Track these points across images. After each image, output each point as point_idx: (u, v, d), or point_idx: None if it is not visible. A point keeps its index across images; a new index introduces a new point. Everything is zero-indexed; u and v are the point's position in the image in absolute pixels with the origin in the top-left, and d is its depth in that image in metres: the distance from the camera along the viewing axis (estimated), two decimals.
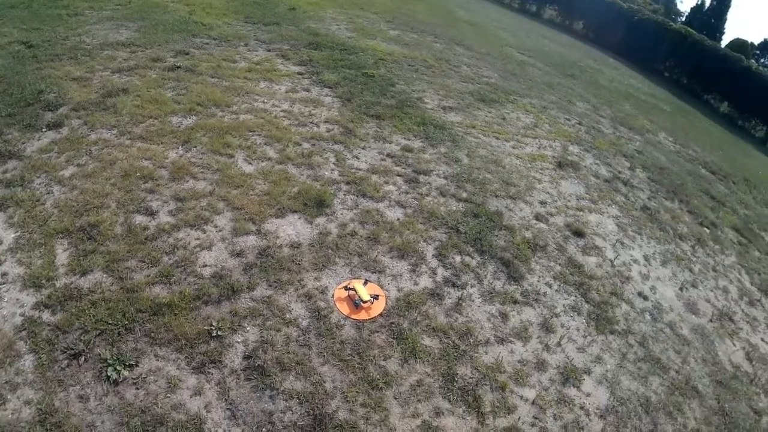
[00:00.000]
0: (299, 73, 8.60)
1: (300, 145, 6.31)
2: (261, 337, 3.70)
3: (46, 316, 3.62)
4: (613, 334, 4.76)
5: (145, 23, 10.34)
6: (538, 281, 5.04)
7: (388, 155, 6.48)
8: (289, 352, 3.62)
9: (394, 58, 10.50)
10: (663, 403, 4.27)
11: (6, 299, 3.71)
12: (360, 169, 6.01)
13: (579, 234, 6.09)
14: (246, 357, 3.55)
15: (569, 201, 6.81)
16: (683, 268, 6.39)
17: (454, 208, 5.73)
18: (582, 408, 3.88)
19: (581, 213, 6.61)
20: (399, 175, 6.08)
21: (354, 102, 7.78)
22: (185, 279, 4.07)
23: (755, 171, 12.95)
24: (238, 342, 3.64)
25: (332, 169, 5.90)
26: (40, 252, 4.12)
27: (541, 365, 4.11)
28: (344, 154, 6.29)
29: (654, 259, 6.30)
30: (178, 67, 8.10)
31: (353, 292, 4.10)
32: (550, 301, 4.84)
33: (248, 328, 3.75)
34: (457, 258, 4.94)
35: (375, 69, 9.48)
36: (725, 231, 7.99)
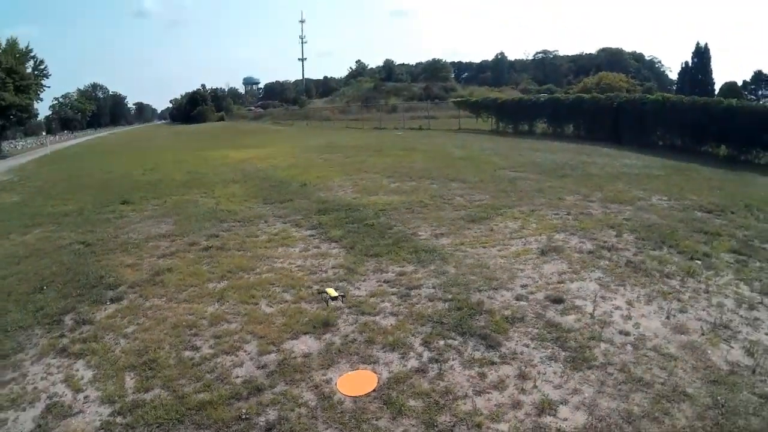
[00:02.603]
0: (310, 236, 10.64)
1: (311, 287, 7.99)
2: (279, 415, 5.05)
3: (118, 419, 5.09)
4: (591, 369, 5.50)
5: (180, 217, 12.90)
6: (515, 345, 6.06)
7: (384, 281, 8.08)
8: (300, 423, 4.92)
9: (393, 207, 12.69)
10: (647, 412, 4.79)
11: (88, 412, 5.24)
12: (360, 296, 7.58)
13: (558, 301, 7.07)
14: (267, 429, 4.87)
15: (551, 278, 7.89)
16: (670, 300, 7.02)
17: (440, 307, 7.07)
18: (558, 430, 4.65)
19: (562, 285, 7.64)
20: (393, 294, 7.59)
21: (356, 248, 9.62)
22: (222, 386, 5.53)
23: (758, 195, 13.66)
24: (261, 421, 4.99)
25: (337, 300, 7.52)
26: (113, 381, 5.71)
27: (516, 404, 5.02)
28: (347, 287, 7.92)
29: (638, 301, 7.03)
30: (211, 248, 10.23)
31: (325, 294, 5.60)
32: (527, 357, 5.79)
33: (269, 411, 5.12)
34: (441, 342, 6.17)
35: (375, 219, 11.56)
36: (720, 257, 8.62)
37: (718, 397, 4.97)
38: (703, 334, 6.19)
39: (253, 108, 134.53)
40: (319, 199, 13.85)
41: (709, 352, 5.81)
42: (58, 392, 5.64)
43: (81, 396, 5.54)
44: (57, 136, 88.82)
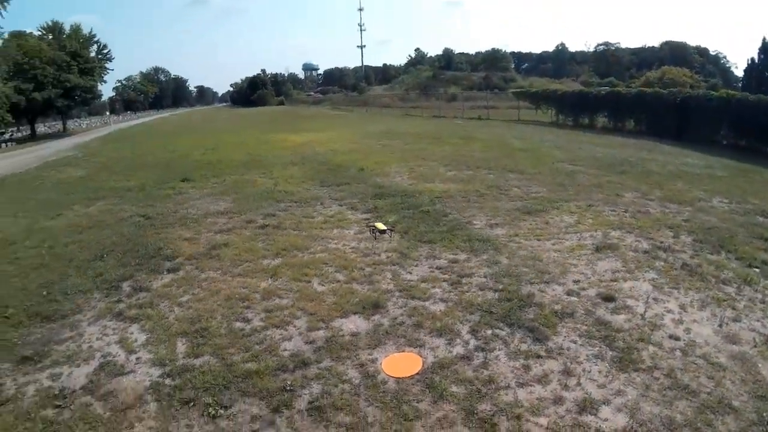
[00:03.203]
0: (365, 219, 10.81)
1: (363, 269, 8.18)
2: (323, 389, 5.22)
3: (167, 381, 5.40)
4: (637, 371, 5.44)
5: (239, 195, 13.36)
6: (562, 340, 6.04)
7: (436, 268, 8.17)
8: (342, 399, 5.07)
9: (449, 195, 12.80)
10: (690, 421, 4.71)
11: (139, 372, 5.60)
12: (411, 281, 7.71)
13: (609, 299, 6.96)
14: (310, 402, 5.04)
15: (603, 276, 7.77)
16: (725, 307, 6.80)
17: (490, 297, 7.12)
18: (598, 430, 4.64)
19: (615, 283, 7.52)
20: (444, 281, 7.68)
21: (410, 233, 9.71)
22: (270, 358, 5.77)
23: None
24: (305, 393, 5.17)
25: (388, 283, 7.65)
26: (165, 346, 6.05)
27: (558, 400, 5.03)
28: (399, 271, 8.06)
29: (691, 306, 6.85)
30: (267, 226, 10.60)
31: (373, 228, 5.78)
32: (573, 353, 5.78)
33: (313, 385, 5.29)
34: (489, 332, 6.23)
35: (431, 206, 11.69)
36: None
37: (764, 414, 4.85)
38: (755, 346, 5.99)
39: (312, 93, 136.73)
40: (375, 184, 14.08)
41: (760, 365, 5.62)
42: (112, 352, 6.05)
43: (133, 357, 5.92)
44: (120, 116, 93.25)
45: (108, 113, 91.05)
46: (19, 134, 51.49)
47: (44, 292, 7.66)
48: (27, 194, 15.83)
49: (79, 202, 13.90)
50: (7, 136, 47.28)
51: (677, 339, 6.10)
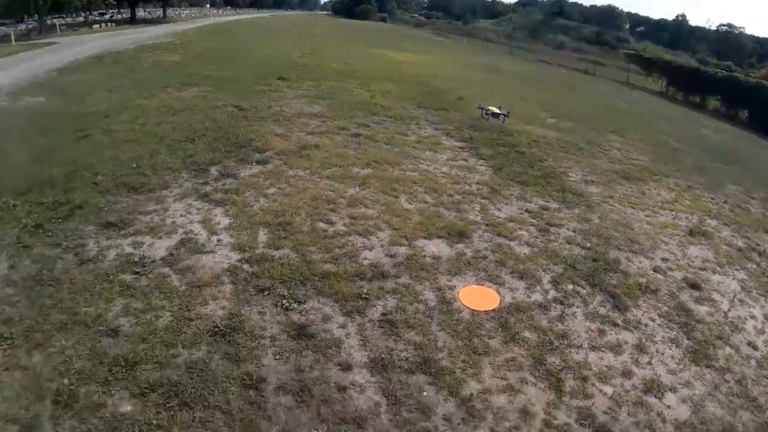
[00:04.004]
0: (460, 147, 10.61)
1: (452, 196, 8.04)
2: (397, 304, 5.21)
3: (245, 267, 5.54)
4: (710, 368, 5.26)
5: (333, 102, 13.27)
6: (642, 315, 5.84)
7: (526, 211, 7.95)
8: (415, 318, 5.06)
9: (547, 141, 12.32)
10: None
11: (218, 254, 5.75)
12: (500, 217, 7.54)
13: (695, 287, 6.68)
14: (383, 314, 5.06)
15: (693, 262, 7.43)
16: None
17: (576, 252, 6.89)
18: (659, 415, 4.53)
19: (703, 272, 7.17)
20: (532, 225, 7.47)
21: (504, 171, 9.51)
22: (349, 263, 5.80)
23: None
24: (379, 304, 5.19)
25: (476, 215, 7.50)
26: (247, 233, 6.17)
27: (626, 373, 4.91)
28: (488, 206, 7.88)
29: None
30: (360, 135, 10.51)
31: (487, 109, 5.76)
32: (650, 331, 5.58)
33: (389, 298, 5.29)
34: (570, 286, 6.05)
35: (527, 148, 11.33)
36: None
37: None
38: None
39: (416, 15, 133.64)
40: (473, 116, 13.62)
41: None
42: (194, 230, 6.22)
43: (215, 238, 6.08)
44: (219, 10, 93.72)
45: (208, 5, 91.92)
46: (119, 17, 52.83)
47: (134, 165, 7.90)
48: (122, 72, 16.21)
49: (173, 86, 14.15)
50: (107, 17, 48.65)
51: (755, 348, 5.82)
